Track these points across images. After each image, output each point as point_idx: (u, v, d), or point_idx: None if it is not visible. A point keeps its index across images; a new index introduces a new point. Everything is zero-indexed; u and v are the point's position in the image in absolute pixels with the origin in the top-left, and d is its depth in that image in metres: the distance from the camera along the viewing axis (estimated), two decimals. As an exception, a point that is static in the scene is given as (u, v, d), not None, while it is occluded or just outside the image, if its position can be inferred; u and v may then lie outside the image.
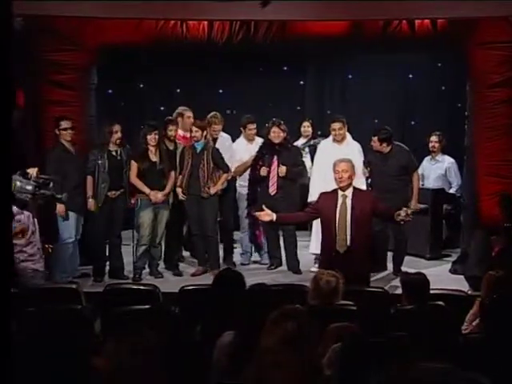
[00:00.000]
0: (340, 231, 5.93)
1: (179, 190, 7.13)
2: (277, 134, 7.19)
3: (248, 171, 7.44)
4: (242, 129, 7.69)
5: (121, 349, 2.40)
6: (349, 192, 5.99)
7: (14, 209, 5.60)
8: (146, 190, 6.96)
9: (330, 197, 6.06)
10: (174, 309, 4.72)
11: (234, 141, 7.80)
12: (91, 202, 6.88)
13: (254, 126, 7.66)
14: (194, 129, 7.10)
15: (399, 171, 7.12)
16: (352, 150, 7.18)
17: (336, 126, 7.18)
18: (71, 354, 2.94)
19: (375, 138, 7.12)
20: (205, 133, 7.13)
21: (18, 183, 5.64)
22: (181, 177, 7.15)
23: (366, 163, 7.17)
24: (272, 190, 7.23)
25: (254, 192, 7.40)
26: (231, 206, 7.61)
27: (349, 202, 5.96)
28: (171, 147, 7.24)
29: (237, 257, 7.71)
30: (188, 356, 3.44)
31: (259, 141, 7.56)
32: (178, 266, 7.38)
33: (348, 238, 5.92)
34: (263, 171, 7.22)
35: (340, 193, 6.00)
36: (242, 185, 7.57)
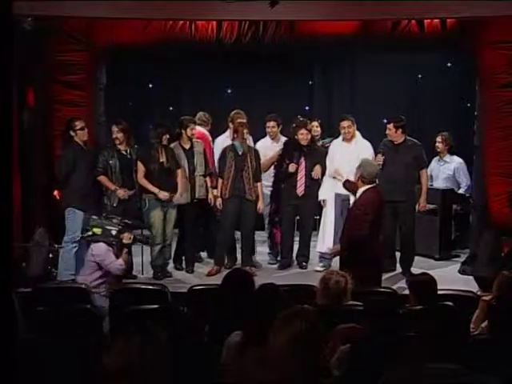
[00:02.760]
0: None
1: (219, 201, 7.13)
2: (305, 136, 7.26)
3: (272, 169, 7.48)
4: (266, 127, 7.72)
5: (129, 348, 2.41)
6: (358, 194, 6.06)
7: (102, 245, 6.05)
8: (155, 189, 6.96)
9: None
10: (182, 308, 4.73)
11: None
12: (121, 192, 6.90)
13: (272, 123, 7.66)
14: (246, 131, 7.14)
15: (410, 162, 7.12)
16: (362, 148, 7.20)
17: (345, 124, 7.22)
18: (80, 353, 2.95)
19: (390, 125, 7.11)
20: (247, 134, 7.12)
21: (106, 228, 6.13)
22: (221, 180, 7.14)
23: (380, 153, 7.14)
24: (300, 190, 7.26)
25: (277, 190, 7.40)
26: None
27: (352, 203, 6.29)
28: (187, 146, 7.24)
29: (264, 256, 7.70)
30: (196, 356, 3.44)
31: (283, 139, 7.62)
32: (193, 264, 7.37)
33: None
34: (292, 167, 7.21)
35: None
36: (266, 185, 7.55)
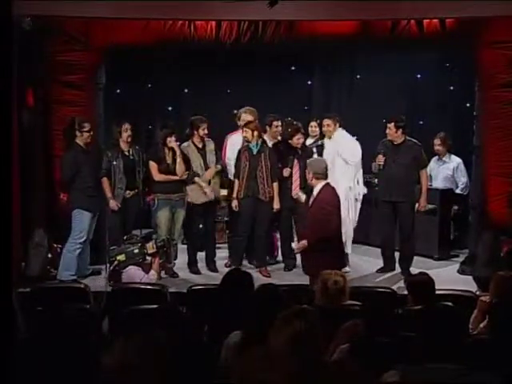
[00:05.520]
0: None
1: (235, 203, 7.14)
2: (300, 140, 7.31)
3: None
4: (267, 127, 7.70)
5: (129, 348, 2.41)
6: (315, 190, 6.21)
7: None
8: (175, 177, 7.01)
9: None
10: (181, 308, 4.73)
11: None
12: (113, 203, 6.96)
13: (277, 123, 7.66)
14: (244, 129, 7.14)
15: (410, 162, 7.12)
16: (340, 143, 7.30)
17: (325, 122, 7.39)
18: (80, 353, 2.94)
19: (391, 125, 7.11)
20: (255, 133, 7.10)
21: (127, 251, 6.36)
22: (237, 182, 7.14)
23: (381, 153, 7.16)
24: (295, 193, 7.24)
25: None
26: None
27: (311, 200, 6.29)
28: (200, 145, 7.26)
29: None
30: (196, 356, 3.44)
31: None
32: (215, 263, 7.41)
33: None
34: (286, 172, 7.21)
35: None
36: None
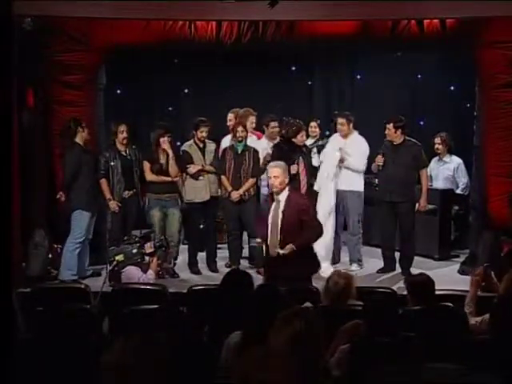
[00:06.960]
0: (271, 236, 5.71)
1: (235, 195, 7.13)
2: (304, 138, 7.34)
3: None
4: (264, 127, 7.71)
5: (129, 348, 2.41)
6: (282, 197, 5.69)
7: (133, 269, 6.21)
8: (167, 178, 7.02)
9: (270, 201, 5.91)
10: (182, 309, 4.73)
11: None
12: (113, 203, 6.95)
13: (273, 124, 7.68)
14: (240, 129, 7.18)
15: (410, 162, 7.12)
16: (354, 143, 7.34)
17: (338, 121, 7.40)
18: (80, 353, 2.95)
19: (390, 126, 7.12)
20: (246, 134, 7.22)
21: (126, 251, 6.29)
22: (224, 177, 7.21)
23: (381, 153, 7.19)
24: (304, 190, 7.21)
25: None
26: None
27: (281, 207, 5.68)
28: (201, 146, 7.28)
29: None
30: (196, 356, 3.44)
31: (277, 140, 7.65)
32: (216, 264, 7.41)
33: (278, 242, 5.66)
34: (294, 169, 7.11)
35: (275, 197, 5.77)
36: (264, 185, 7.49)
